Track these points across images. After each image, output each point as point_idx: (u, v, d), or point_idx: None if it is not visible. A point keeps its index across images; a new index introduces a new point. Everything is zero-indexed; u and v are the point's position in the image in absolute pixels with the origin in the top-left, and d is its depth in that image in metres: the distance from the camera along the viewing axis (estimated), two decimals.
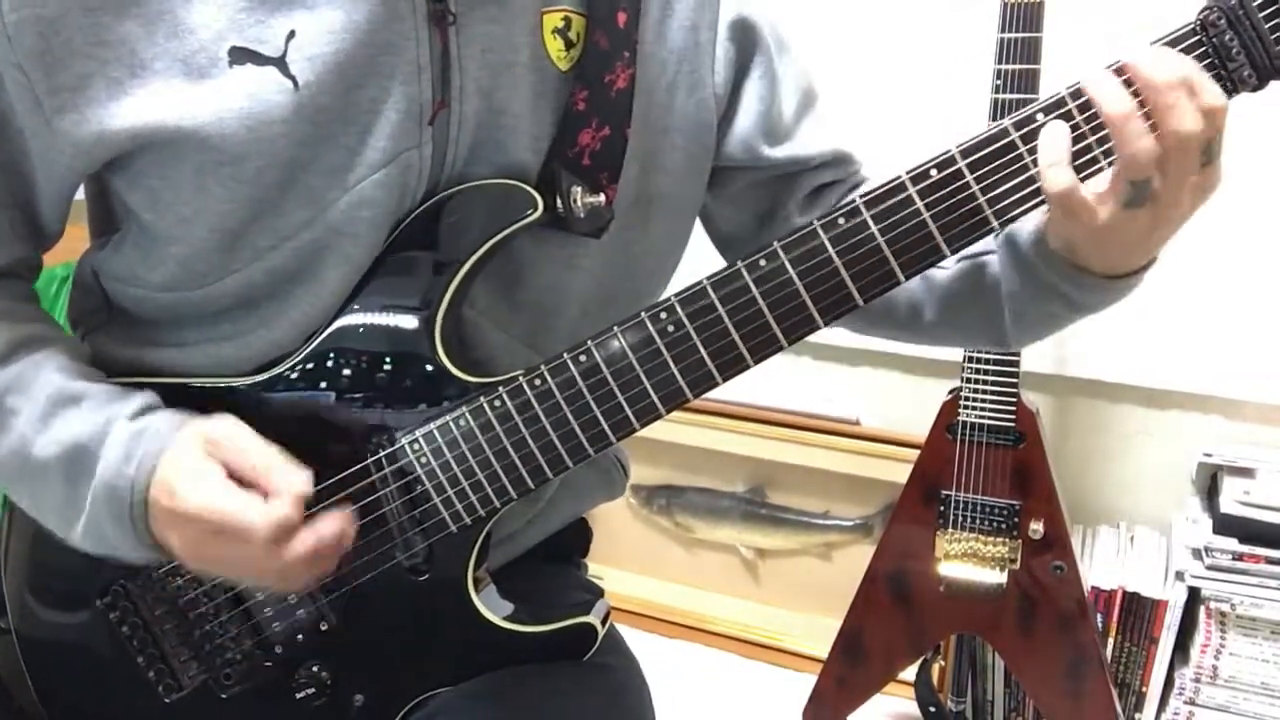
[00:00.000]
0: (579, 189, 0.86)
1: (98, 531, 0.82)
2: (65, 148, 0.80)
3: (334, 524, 0.78)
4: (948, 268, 0.93)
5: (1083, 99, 0.74)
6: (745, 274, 0.79)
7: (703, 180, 0.97)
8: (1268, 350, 1.85)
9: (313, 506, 0.79)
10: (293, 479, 0.77)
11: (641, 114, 0.90)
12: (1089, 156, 0.75)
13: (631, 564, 2.43)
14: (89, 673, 0.93)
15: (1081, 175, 0.74)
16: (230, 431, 0.80)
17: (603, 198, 0.87)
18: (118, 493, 0.80)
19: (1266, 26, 0.72)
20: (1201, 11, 0.73)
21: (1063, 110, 0.75)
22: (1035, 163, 0.75)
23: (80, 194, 0.91)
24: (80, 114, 0.78)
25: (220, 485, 0.77)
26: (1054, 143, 0.74)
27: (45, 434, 0.82)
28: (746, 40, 0.95)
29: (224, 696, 0.90)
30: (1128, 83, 0.72)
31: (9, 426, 0.83)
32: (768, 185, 1.00)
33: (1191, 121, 0.70)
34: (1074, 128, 0.74)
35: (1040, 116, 0.75)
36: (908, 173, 0.78)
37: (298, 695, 0.89)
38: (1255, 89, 0.74)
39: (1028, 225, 0.84)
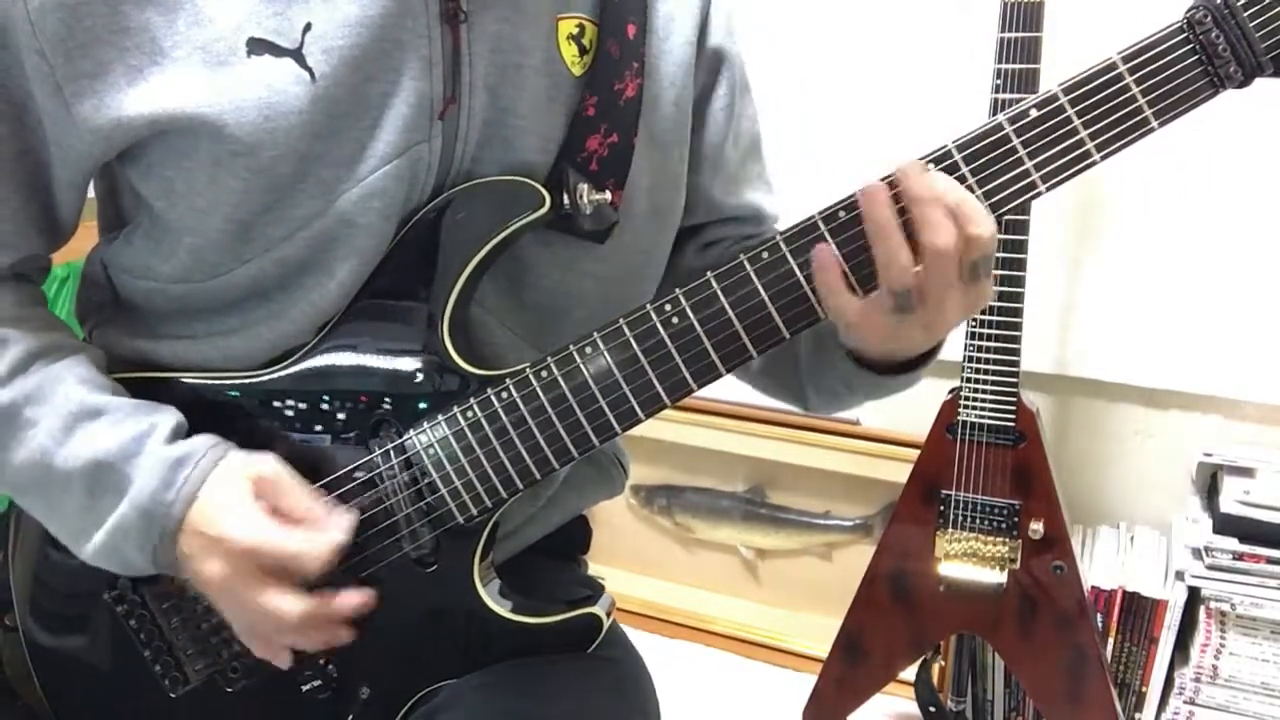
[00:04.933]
0: (585, 186, 0.87)
1: (114, 548, 0.83)
2: (84, 134, 0.80)
3: (358, 597, 0.83)
4: None
5: (856, 211, 0.77)
6: (748, 265, 0.80)
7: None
8: (1268, 350, 1.86)
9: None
10: (338, 523, 0.82)
11: (649, 125, 0.92)
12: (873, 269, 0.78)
13: (631, 564, 2.43)
14: (95, 668, 0.93)
15: (870, 285, 0.78)
16: (275, 471, 0.83)
17: (609, 195, 0.88)
18: (153, 518, 0.81)
19: (1251, 25, 0.73)
20: (1188, 10, 0.75)
21: (838, 223, 0.78)
22: (1029, 157, 0.76)
23: (89, 191, 0.91)
24: (99, 100, 0.79)
25: (268, 520, 0.80)
26: (827, 268, 0.77)
27: (66, 446, 0.83)
28: (716, 69, 0.98)
29: (230, 690, 0.91)
30: (896, 197, 0.75)
31: (27, 438, 0.83)
32: (683, 229, 1.02)
33: (945, 238, 0.73)
34: (859, 235, 0.78)
35: (1034, 111, 0.76)
36: None
37: (304, 688, 0.90)
38: (1241, 85, 0.75)
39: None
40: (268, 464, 0.83)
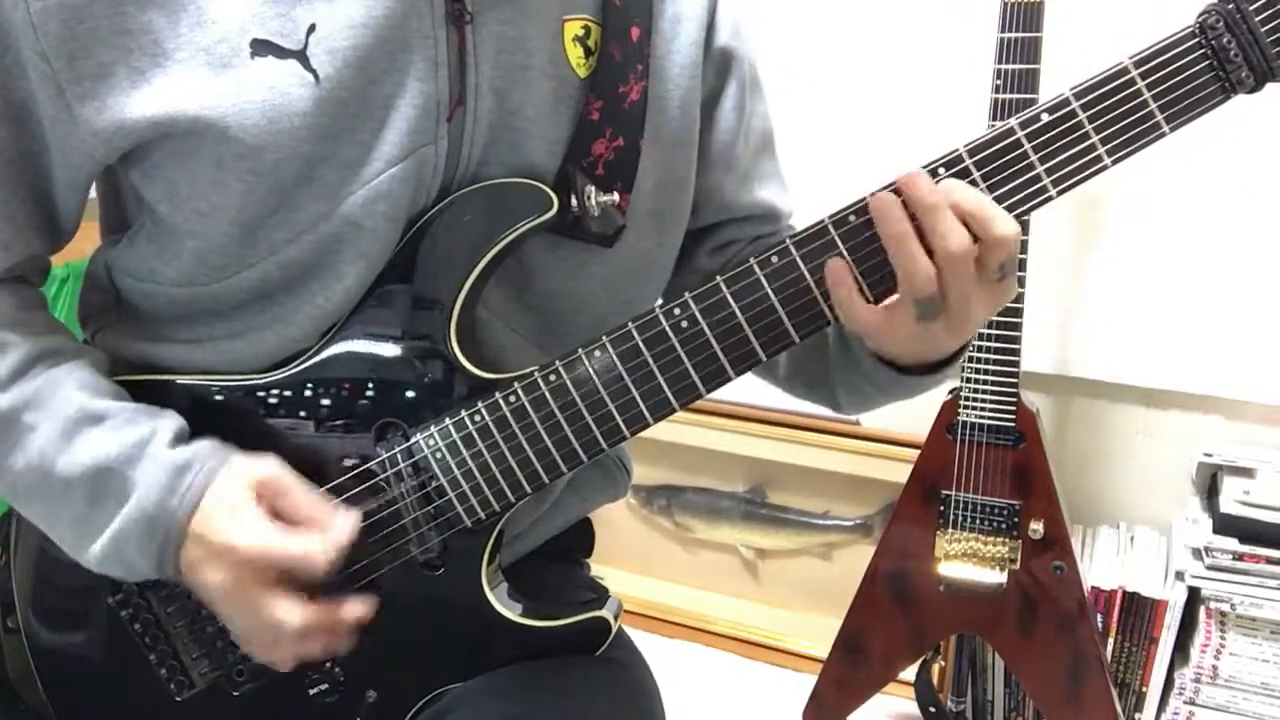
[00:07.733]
0: (592, 188, 0.87)
1: (118, 554, 0.82)
2: (86, 136, 0.80)
3: (361, 607, 0.82)
4: None
5: (867, 216, 0.77)
6: (757, 269, 0.80)
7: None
8: (1268, 350, 1.86)
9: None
10: (341, 522, 0.80)
11: (655, 127, 0.92)
12: (885, 272, 0.78)
13: (631, 564, 2.43)
14: (99, 672, 0.93)
15: (881, 289, 0.78)
16: (276, 474, 0.82)
17: (615, 196, 0.88)
18: (156, 524, 0.81)
19: (1263, 30, 0.74)
20: (1200, 15, 0.75)
21: (849, 227, 0.78)
22: (1040, 161, 0.76)
23: (91, 192, 0.91)
24: (102, 102, 0.79)
25: (270, 526, 0.80)
26: (841, 283, 0.78)
27: (67, 452, 0.82)
28: (725, 68, 0.98)
29: (235, 694, 0.90)
30: (907, 204, 0.75)
31: (27, 443, 0.83)
32: (695, 230, 1.01)
33: (958, 242, 0.73)
34: (869, 240, 0.77)
35: (1045, 115, 0.76)
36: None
37: (310, 692, 0.89)
38: (1252, 90, 0.76)
39: None
40: (269, 467, 0.83)
